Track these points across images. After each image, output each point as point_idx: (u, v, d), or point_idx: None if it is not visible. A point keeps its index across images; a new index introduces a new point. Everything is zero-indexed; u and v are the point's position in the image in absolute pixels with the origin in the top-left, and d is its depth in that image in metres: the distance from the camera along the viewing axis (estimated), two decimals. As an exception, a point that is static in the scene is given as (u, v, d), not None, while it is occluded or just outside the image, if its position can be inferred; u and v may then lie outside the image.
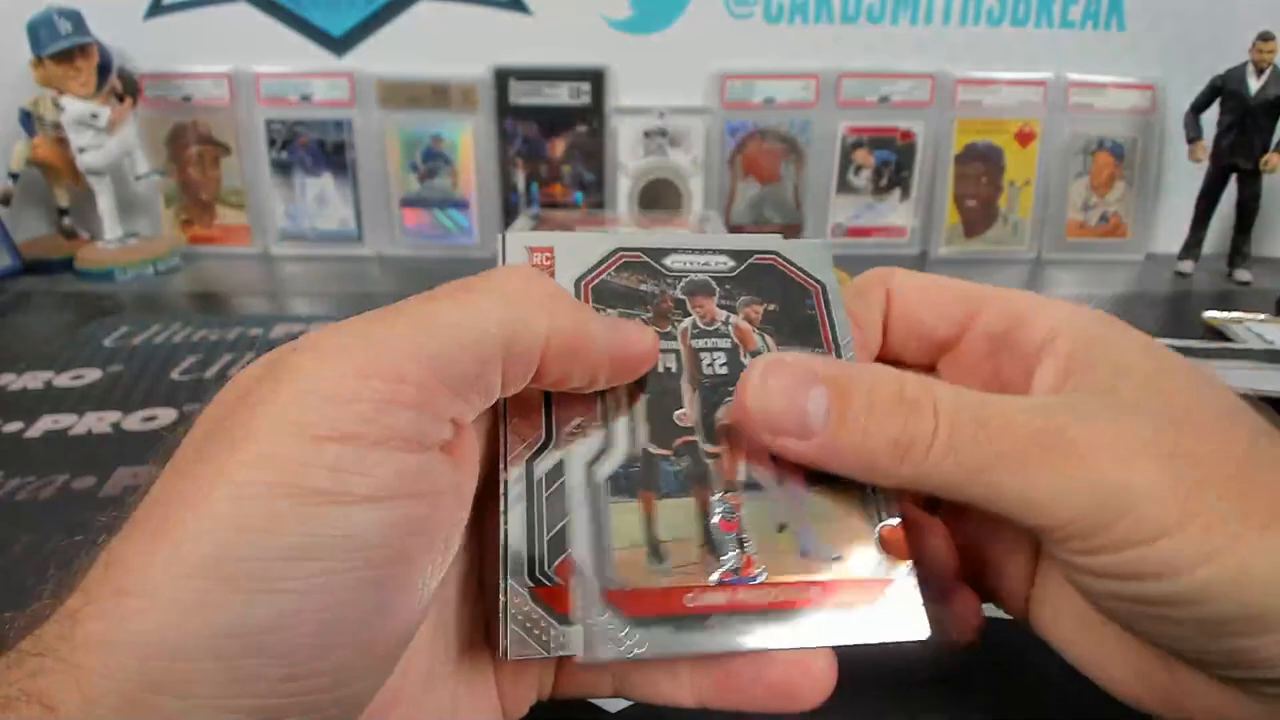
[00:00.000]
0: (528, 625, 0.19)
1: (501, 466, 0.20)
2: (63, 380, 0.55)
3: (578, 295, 0.23)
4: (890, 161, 0.90)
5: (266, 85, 0.88)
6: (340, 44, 0.88)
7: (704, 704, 0.20)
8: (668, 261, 0.24)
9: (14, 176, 0.83)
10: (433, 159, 0.89)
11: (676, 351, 0.22)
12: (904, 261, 0.90)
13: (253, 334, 0.64)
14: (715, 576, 0.19)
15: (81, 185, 0.84)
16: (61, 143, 0.82)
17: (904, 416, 0.19)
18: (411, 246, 0.90)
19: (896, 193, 0.91)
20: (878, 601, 0.20)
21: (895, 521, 0.21)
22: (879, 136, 0.89)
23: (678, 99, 0.88)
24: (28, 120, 0.83)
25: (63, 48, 0.78)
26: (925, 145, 0.89)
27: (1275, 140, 0.80)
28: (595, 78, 0.87)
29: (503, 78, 0.87)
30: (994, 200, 0.91)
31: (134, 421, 0.49)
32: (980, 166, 0.90)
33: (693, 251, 0.24)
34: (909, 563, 0.21)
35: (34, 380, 0.55)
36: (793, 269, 0.24)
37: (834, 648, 0.20)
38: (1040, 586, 0.23)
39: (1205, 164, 0.82)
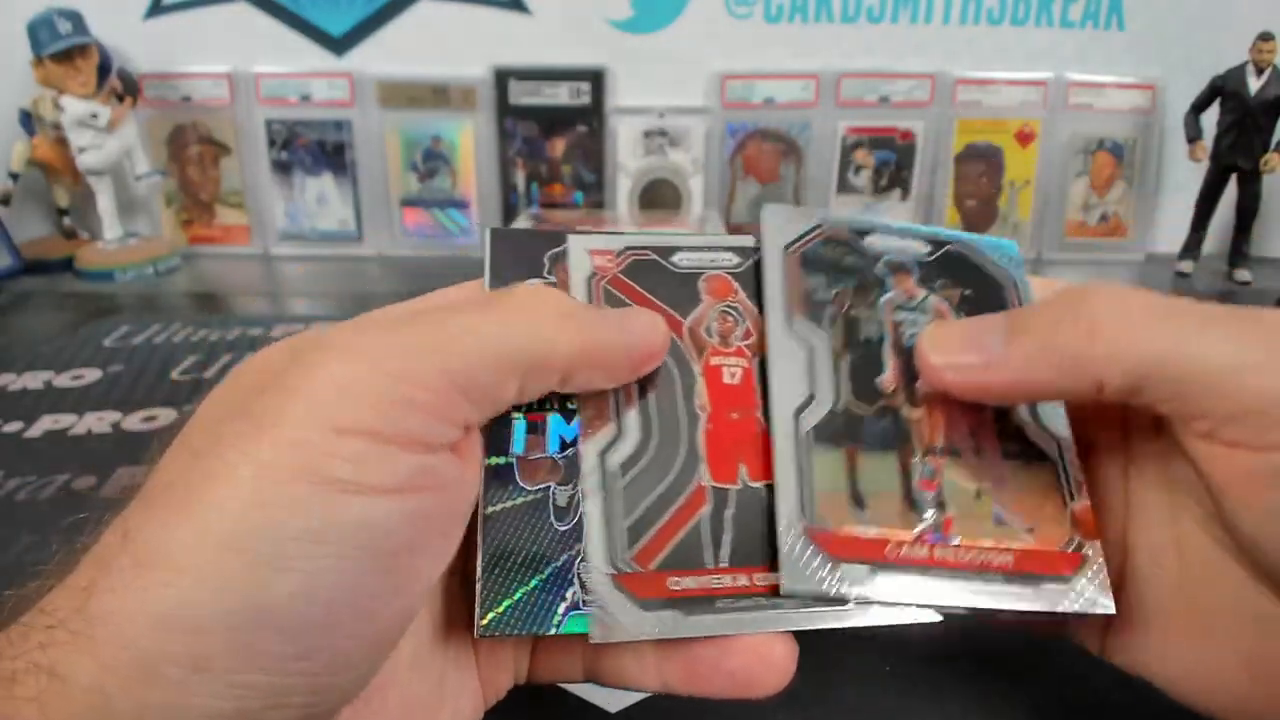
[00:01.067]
0: (604, 610, 0.20)
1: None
2: (63, 380, 0.55)
3: (783, 262, 0.23)
4: (890, 161, 0.90)
5: (266, 85, 0.88)
6: (340, 44, 0.88)
7: (668, 689, 0.21)
8: (867, 242, 0.24)
9: (14, 176, 0.83)
10: (433, 159, 0.89)
11: (879, 321, 0.23)
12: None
13: (253, 334, 0.64)
14: (915, 532, 0.20)
15: (81, 185, 0.84)
16: (61, 143, 0.82)
17: (1087, 308, 0.19)
18: (411, 246, 0.90)
19: (896, 193, 0.91)
20: (1069, 575, 0.20)
21: (1086, 502, 0.22)
22: (879, 136, 0.89)
23: (678, 99, 0.88)
24: (28, 120, 0.83)
25: (63, 48, 0.78)
26: (925, 145, 0.89)
27: (1275, 140, 0.80)
28: (595, 78, 0.87)
29: (503, 78, 0.87)
30: (994, 200, 0.91)
31: (134, 421, 0.49)
32: (980, 166, 0.90)
33: (892, 233, 0.25)
34: (1098, 541, 0.21)
35: (34, 380, 0.55)
36: (987, 261, 0.25)
37: (1024, 614, 0.20)
38: (1119, 620, 0.22)
39: (1205, 164, 0.82)
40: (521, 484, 0.21)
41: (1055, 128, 0.89)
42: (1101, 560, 0.21)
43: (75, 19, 0.79)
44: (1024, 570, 0.20)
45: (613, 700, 0.29)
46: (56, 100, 0.79)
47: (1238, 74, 0.79)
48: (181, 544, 0.15)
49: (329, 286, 0.82)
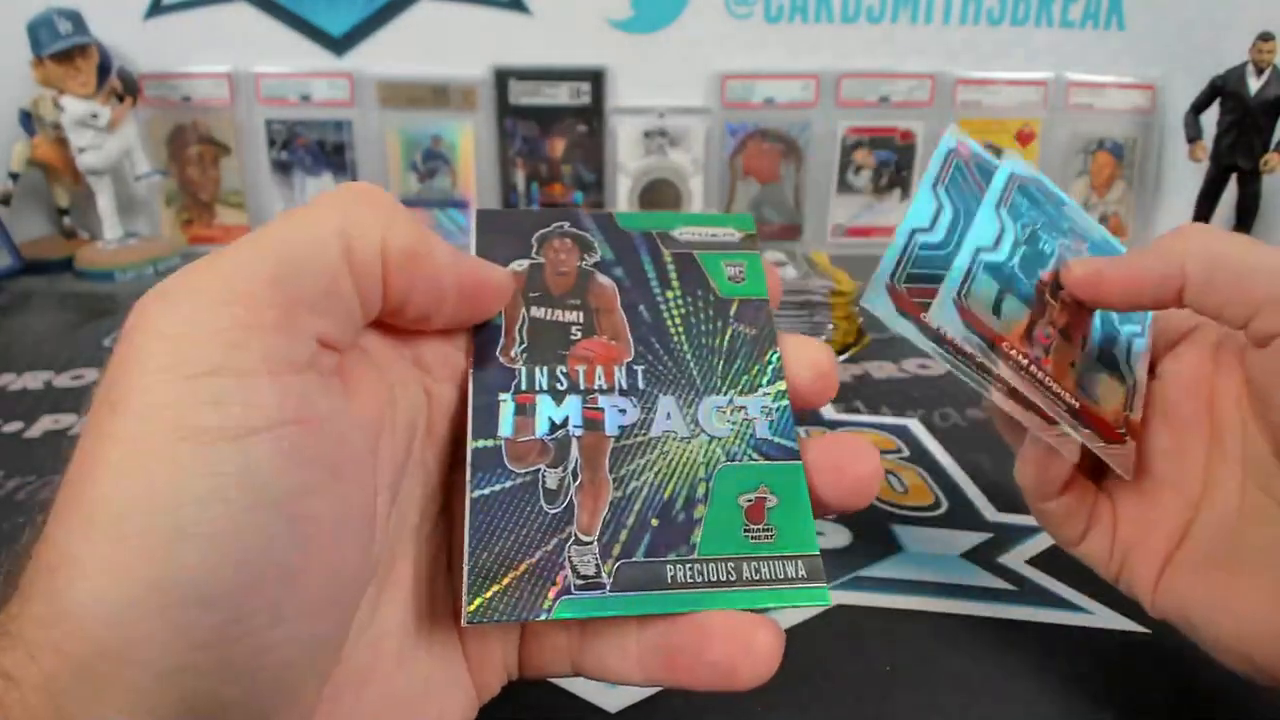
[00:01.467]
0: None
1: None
2: (63, 380, 0.55)
3: (1011, 181, 0.28)
4: (890, 161, 0.90)
5: (266, 85, 0.88)
6: (340, 44, 0.88)
7: (651, 682, 0.21)
8: (1066, 209, 0.29)
9: (14, 176, 0.83)
10: (433, 159, 0.89)
11: (1054, 244, 0.28)
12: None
13: (253, 334, 0.64)
14: (1026, 347, 0.25)
15: (81, 185, 0.84)
16: (61, 143, 0.82)
17: (1180, 230, 0.25)
18: (411, 246, 0.90)
19: (896, 193, 0.91)
20: (1117, 445, 0.26)
21: (1140, 416, 0.27)
22: (879, 136, 0.89)
23: (678, 99, 0.88)
24: (28, 120, 0.83)
25: (63, 48, 0.78)
26: (925, 145, 0.89)
27: (1275, 140, 0.80)
28: (595, 78, 0.87)
29: (503, 78, 0.87)
30: (994, 200, 0.91)
31: (134, 421, 0.49)
32: (980, 166, 0.90)
33: (1081, 214, 0.30)
34: (1135, 444, 0.26)
35: (34, 380, 0.55)
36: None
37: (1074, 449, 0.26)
38: (1173, 568, 0.25)
39: (1205, 164, 0.82)
40: (510, 467, 0.21)
41: (1055, 128, 0.89)
42: (1134, 450, 0.26)
43: (75, 19, 0.79)
44: (1082, 417, 0.25)
45: (613, 700, 0.29)
46: (56, 100, 0.79)
47: (1238, 74, 0.79)
48: (77, 540, 0.15)
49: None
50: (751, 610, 0.20)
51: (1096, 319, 0.27)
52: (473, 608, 0.19)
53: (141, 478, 0.15)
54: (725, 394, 0.23)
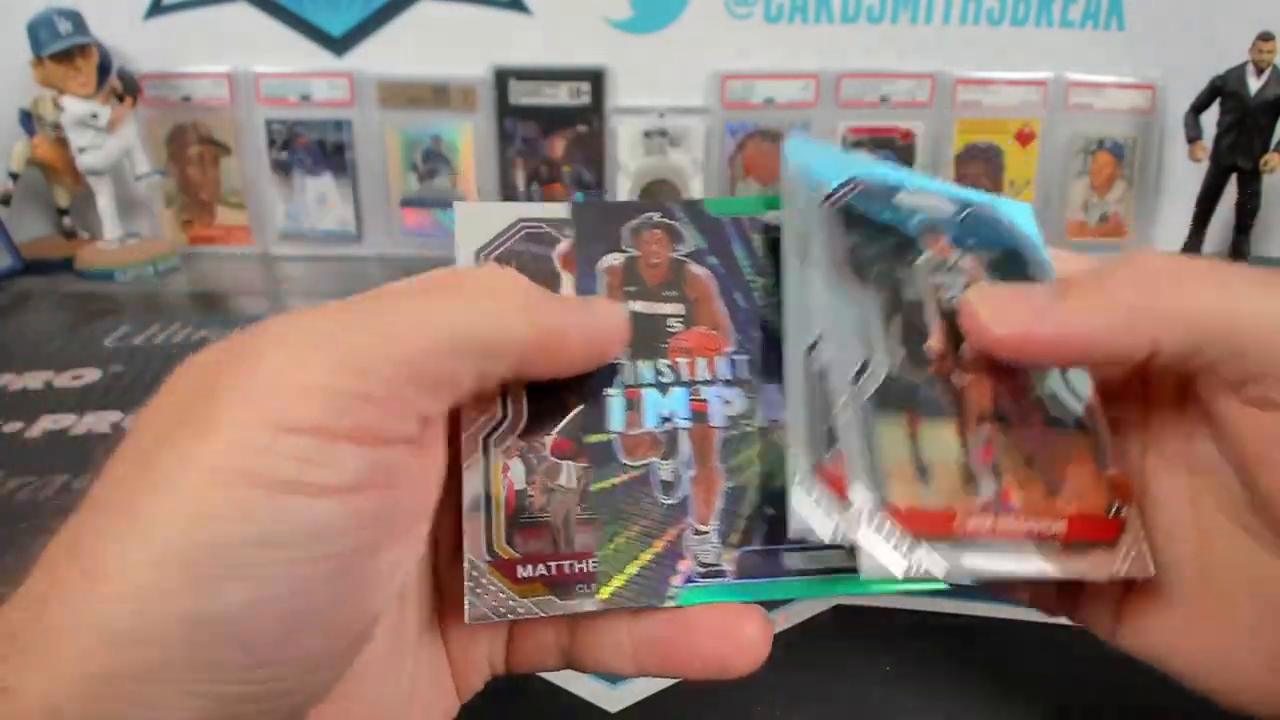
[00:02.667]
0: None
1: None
2: (63, 380, 0.55)
3: (823, 216, 0.23)
4: (890, 161, 0.90)
5: (266, 85, 0.88)
6: (340, 44, 0.88)
7: (643, 672, 0.21)
8: (898, 199, 0.24)
9: (14, 176, 0.83)
10: (433, 159, 0.89)
11: (918, 284, 0.23)
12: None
13: (253, 334, 0.64)
14: (979, 502, 0.20)
15: (81, 185, 0.84)
16: (61, 143, 0.82)
17: (1145, 268, 0.19)
18: (411, 246, 0.90)
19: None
20: (1114, 541, 0.21)
21: (1120, 468, 0.22)
22: (879, 136, 0.89)
23: (678, 99, 0.88)
24: (28, 120, 0.83)
25: (63, 48, 0.78)
26: (925, 145, 0.89)
27: (1275, 140, 0.80)
28: (595, 78, 0.87)
29: (503, 78, 0.87)
30: (994, 200, 0.91)
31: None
32: (980, 166, 0.90)
33: (920, 191, 0.24)
34: (1135, 506, 0.21)
35: (34, 380, 0.55)
36: (1008, 223, 0.24)
37: (1077, 581, 0.21)
38: (1132, 604, 0.22)
39: (1205, 164, 0.82)
40: (624, 461, 0.21)
41: (1055, 128, 0.89)
42: (1139, 524, 0.21)
43: (75, 19, 0.79)
44: (1077, 537, 0.21)
45: (612, 700, 0.29)
46: (56, 100, 0.79)
47: (1238, 74, 0.79)
48: (128, 556, 0.14)
49: (329, 286, 0.82)
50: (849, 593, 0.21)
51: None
52: (605, 595, 0.20)
53: (208, 511, 0.15)
54: None
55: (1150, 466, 0.22)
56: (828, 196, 0.23)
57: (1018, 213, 0.25)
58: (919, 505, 0.19)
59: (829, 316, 0.21)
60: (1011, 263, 0.24)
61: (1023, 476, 0.21)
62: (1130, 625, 0.22)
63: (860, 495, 0.19)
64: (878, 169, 0.24)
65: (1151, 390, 0.22)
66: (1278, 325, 0.18)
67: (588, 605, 0.20)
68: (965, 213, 0.24)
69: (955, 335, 0.21)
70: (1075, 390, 0.22)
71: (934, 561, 0.19)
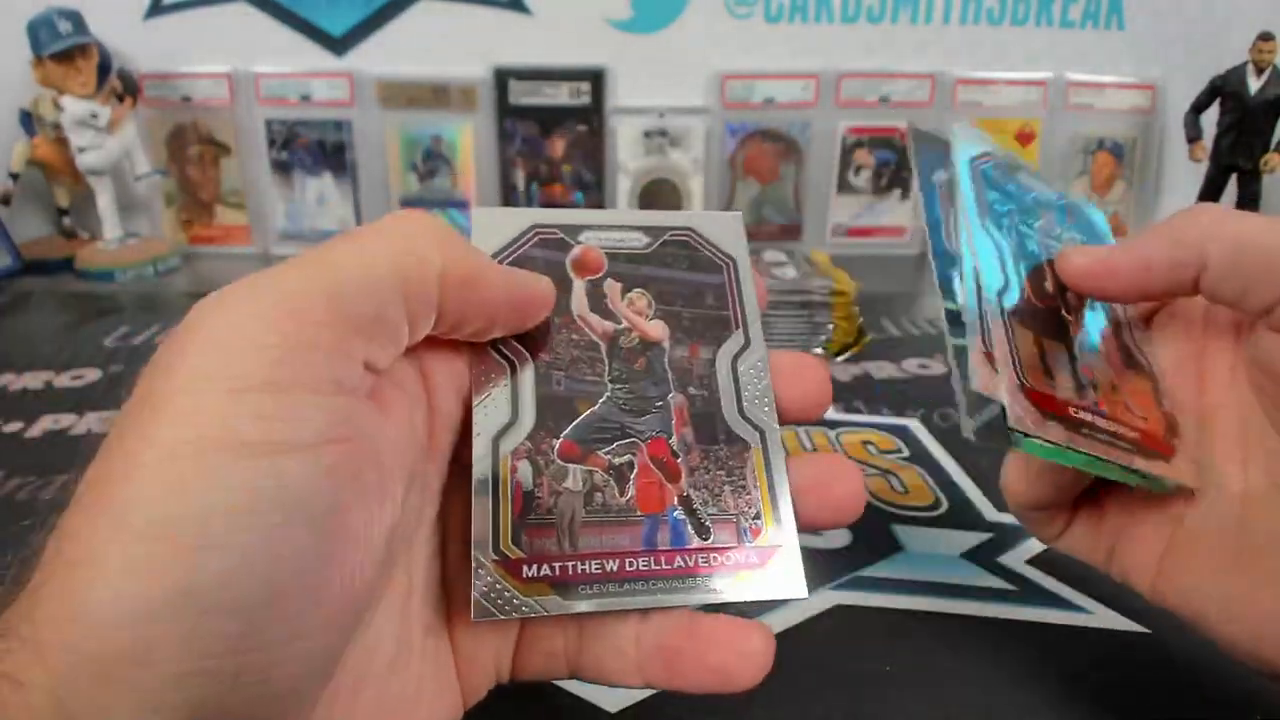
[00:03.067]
0: None
1: None
2: (63, 380, 0.55)
3: (970, 174, 0.26)
4: (890, 161, 0.90)
5: (266, 85, 0.88)
6: (340, 44, 0.88)
7: (650, 684, 0.21)
8: (1018, 177, 0.28)
9: (14, 176, 0.83)
10: (433, 159, 0.89)
11: (1037, 240, 0.27)
12: (904, 261, 0.90)
13: (253, 334, 0.64)
14: (1084, 402, 0.24)
15: (81, 185, 0.84)
16: (61, 143, 0.82)
17: (1192, 212, 0.24)
18: (411, 246, 0.90)
19: (896, 193, 0.91)
20: (1170, 457, 0.25)
21: (1168, 406, 0.26)
22: (879, 136, 0.89)
23: (678, 99, 0.88)
24: (28, 120, 0.83)
25: (63, 48, 0.78)
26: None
27: (1275, 140, 0.80)
28: (595, 78, 0.87)
29: (503, 78, 0.87)
30: (994, 200, 0.91)
31: (134, 421, 0.49)
32: (980, 166, 0.90)
33: (1032, 177, 0.28)
34: (1181, 439, 0.25)
35: (34, 380, 0.55)
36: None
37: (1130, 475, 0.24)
38: (1173, 555, 0.24)
39: (1205, 164, 0.82)
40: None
41: (1055, 128, 0.89)
42: (1187, 452, 0.25)
43: (75, 19, 0.79)
44: (1145, 445, 0.24)
45: (612, 700, 0.29)
46: (56, 100, 0.79)
47: (1238, 74, 0.79)
48: (104, 539, 0.15)
49: (329, 286, 0.82)
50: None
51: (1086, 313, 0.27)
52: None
53: (176, 483, 0.15)
54: None
55: (1205, 444, 0.25)
56: (974, 158, 0.27)
57: (1096, 215, 0.30)
58: (1047, 391, 0.23)
59: (979, 247, 0.25)
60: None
61: (1109, 394, 0.25)
62: (1167, 574, 0.24)
63: (1006, 372, 0.23)
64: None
65: (1205, 375, 0.25)
66: None
67: (589, 606, 0.20)
68: (1064, 202, 0.29)
69: (1062, 286, 0.26)
70: (1143, 346, 0.27)
71: (1056, 431, 0.23)
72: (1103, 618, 0.32)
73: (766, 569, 0.22)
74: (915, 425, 0.50)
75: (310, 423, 0.16)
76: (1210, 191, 0.83)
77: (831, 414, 0.52)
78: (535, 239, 0.25)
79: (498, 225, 0.25)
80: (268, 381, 0.16)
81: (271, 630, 0.15)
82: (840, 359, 0.60)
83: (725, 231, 0.27)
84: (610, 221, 0.26)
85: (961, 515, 0.40)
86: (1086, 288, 0.25)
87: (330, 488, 0.16)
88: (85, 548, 0.15)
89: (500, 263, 0.23)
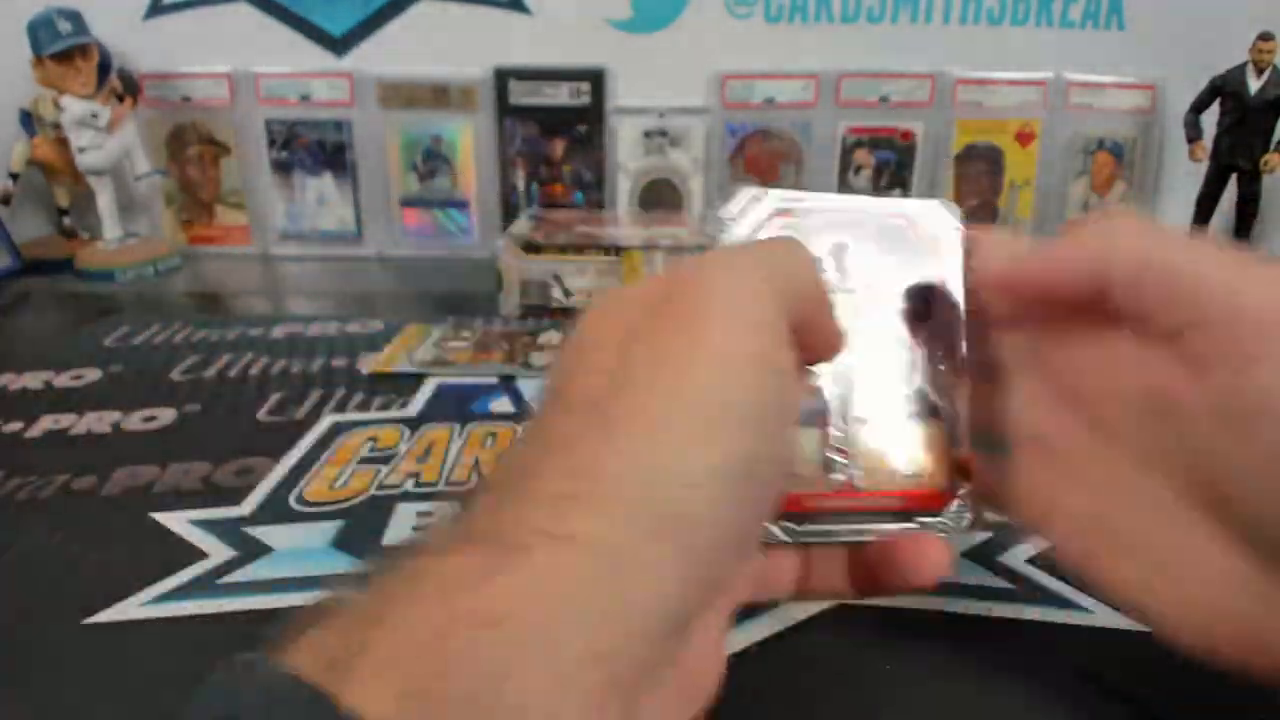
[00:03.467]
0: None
1: None
2: (63, 380, 0.55)
3: None
4: (890, 161, 0.90)
5: (266, 85, 0.88)
6: (340, 44, 0.88)
7: (860, 591, 0.25)
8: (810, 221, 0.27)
9: (14, 176, 0.83)
10: (433, 159, 0.89)
11: None
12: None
13: (253, 334, 0.64)
14: (834, 488, 0.25)
15: (81, 185, 0.84)
16: (61, 143, 0.82)
17: (1106, 220, 0.23)
18: (411, 246, 0.90)
19: (896, 193, 0.91)
20: (938, 509, 0.25)
21: (966, 452, 0.25)
22: (879, 136, 0.89)
23: (678, 99, 0.88)
24: (28, 120, 0.83)
25: (63, 48, 0.78)
26: (925, 145, 0.89)
27: (1275, 140, 0.80)
28: (595, 78, 0.87)
29: (503, 78, 0.87)
30: (994, 200, 0.91)
31: (134, 421, 0.49)
32: (980, 166, 0.90)
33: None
34: (970, 484, 0.25)
35: (34, 380, 0.55)
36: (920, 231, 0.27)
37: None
38: (1107, 535, 0.23)
39: (1205, 164, 0.82)
40: None
41: (1055, 128, 0.89)
42: (969, 492, 0.25)
43: (75, 19, 0.79)
44: (910, 509, 0.25)
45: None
46: (56, 100, 0.79)
47: (1238, 74, 0.79)
48: (669, 409, 0.17)
49: (329, 286, 0.82)
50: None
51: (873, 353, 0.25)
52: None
53: (734, 380, 0.17)
54: None
55: (1096, 442, 0.24)
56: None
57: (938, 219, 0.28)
58: (791, 493, 0.24)
59: None
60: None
61: (874, 465, 0.25)
62: (1108, 578, 0.23)
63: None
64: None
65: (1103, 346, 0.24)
66: (1211, 274, 0.20)
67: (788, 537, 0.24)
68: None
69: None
70: (939, 389, 0.26)
71: (781, 531, 0.24)
72: (1103, 617, 0.32)
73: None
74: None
75: (797, 368, 0.20)
76: (1210, 191, 0.83)
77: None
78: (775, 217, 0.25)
79: (758, 203, 0.25)
80: (778, 330, 0.19)
81: (738, 539, 0.18)
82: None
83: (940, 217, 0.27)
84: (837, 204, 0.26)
85: (961, 515, 0.40)
86: (996, 289, 0.24)
87: (795, 409, 0.20)
88: (651, 417, 0.17)
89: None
